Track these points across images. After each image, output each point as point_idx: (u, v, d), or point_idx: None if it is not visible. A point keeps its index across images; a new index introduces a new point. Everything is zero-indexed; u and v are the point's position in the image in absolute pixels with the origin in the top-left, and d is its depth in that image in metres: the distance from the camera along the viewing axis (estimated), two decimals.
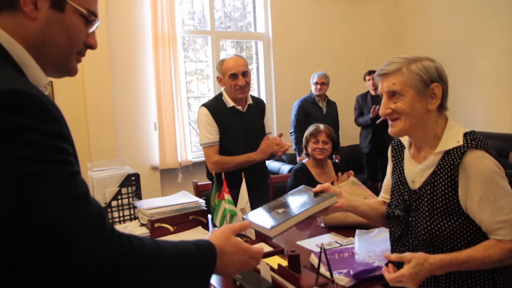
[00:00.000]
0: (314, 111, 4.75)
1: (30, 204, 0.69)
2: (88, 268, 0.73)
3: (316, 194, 1.46)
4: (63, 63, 0.93)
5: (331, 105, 4.89)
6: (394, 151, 1.63)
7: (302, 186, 1.58)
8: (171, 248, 0.90)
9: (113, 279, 0.76)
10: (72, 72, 0.96)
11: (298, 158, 4.72)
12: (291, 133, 4.83)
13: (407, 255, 1.30)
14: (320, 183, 2.70)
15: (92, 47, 0.97)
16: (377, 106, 4.51)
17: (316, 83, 4.77)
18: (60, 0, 0.87)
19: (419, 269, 1.25)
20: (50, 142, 0.74)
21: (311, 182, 2.82)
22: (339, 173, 2.87)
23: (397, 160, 1.59)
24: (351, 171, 2.85)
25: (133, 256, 0.80)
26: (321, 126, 3.04)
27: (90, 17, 0.92)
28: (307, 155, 3.03)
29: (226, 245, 1.01)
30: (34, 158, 0.71)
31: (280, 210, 1.35)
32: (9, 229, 0.69)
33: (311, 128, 3.05)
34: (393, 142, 1.66)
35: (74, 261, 0.72)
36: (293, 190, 1.56)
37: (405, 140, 1.58)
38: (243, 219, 1.46)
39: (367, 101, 5.03)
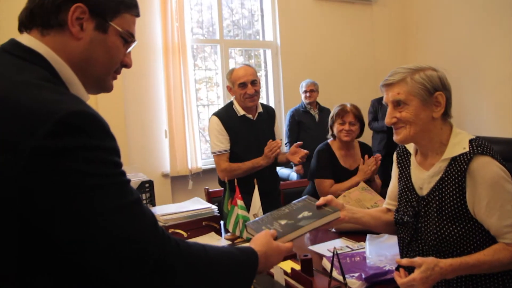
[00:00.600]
0: (306, 120, 4.75)
1: (97, 215, 0.77)
2: (145, 268, 0.80)
3: (319, 207, 1.46)
4: (102, 81, 0.99)
5: (324, 112, 4.82)
6: (399, 158, 1.66)
7: (306, 196, 1.59)
8: (216, 251, 0.97)
9: (165, 278, 0.82)
10: (108, 89, 1.03)
11: (294, 168, 4.70)
12: (286, 143, 4.83)
13: (417, 259, 1.32)
14: (345, 167, 2.75)
15: (128, 65, 1.04)
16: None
17: (305, 91, 4.77)
18: (104, 22, 0.93)
19: (430, 273, 1.28)
20: (109, 158, 0.81)
21: (335, 164, 2.79)
22: (366, 156, 2.77)
23: (403, 167, 1.62)
24: (379, 155, 2.77)
25: (182, 257, 0.87)
26: (348, 105, 2.82)
27: (129, 38, 0.99)
28: (333, 136, 2.87)
29: (270, 250, 1.12)
30: (96, 173, 0.77)
31: (283, 222, 1.36)
32: (76, 239, 0.76)
33: (336, 109, 2.84)
34: (398, 149, 1.68)
35: (133, 262, 0.79)
36: (297, 200, 1.57)
37: (410, 147, 1.61)
38: (246, 226, 1.49)
39: (382, 106, 5.03)
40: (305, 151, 2.69)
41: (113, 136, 0.83)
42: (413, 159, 1.59)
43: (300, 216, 1.39)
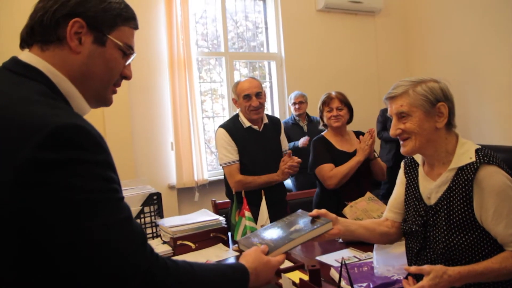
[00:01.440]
0: (294, 132, 4.67)
1: (85, 231, 0.76)
2: (132, 284, 0.80)
3: (312, 220, 1.46)
4: (101, 94, 1.01)
5: (313, 123, 4.75)
6: (407, 168, 1.68)
7: (299, 210, 1.59)
8: (205, 269, 0.96)
9: None
10: (107, 102, 1.04)
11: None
12: None
13: (426, 267, 1.33)
14: (343, 151, 2.77)
15: (128, 77, 1.06)
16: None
17: (294, 103, 4.74)
18: (102, 36, 0.95)
19: (438, 281, 1.29)
20: (100, 173, 0.81)
21: (332, 151, 2.79)
22: (361, 136, 2.78)
23: (411, 177, 1.65)
24: (372, 129, 2.77)
25: (170, 275, 0.87)
26: (333, 93, 2.88)
27: (127, 51, 1.01)
28: (325, 126, 2.92)
29: (260, 265, 1.10)
30: (87, 188, 0.77)
31: (274, 236, 1.36)
32: (64, 252, 0.76)
33: (322, 97, 2.89)
34: (405, 160, 1.71)
35: (120, 278, 0.79)
36: (290, 215, 1.57)
37: (418, 157, 1.64)
38: (238, 242, 1.48)
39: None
40: (298, 159, 2.67)
41: (107, 150, 0.84)
42: (420, 169, 1.61)
43: (292, 229, 1.38)
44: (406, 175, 1.68)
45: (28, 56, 0.91)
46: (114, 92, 1.05)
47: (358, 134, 2.95)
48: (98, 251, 0.77)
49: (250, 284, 1.05)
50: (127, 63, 1.04)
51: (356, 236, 1.66)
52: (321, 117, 2.91)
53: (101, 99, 1.02)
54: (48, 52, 0.92)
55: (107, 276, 0.78)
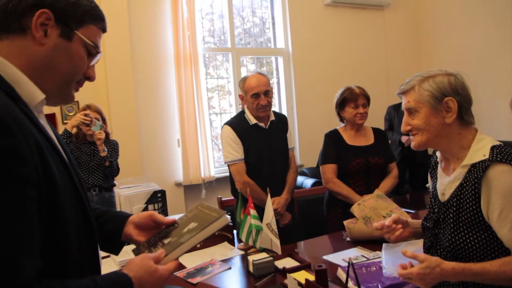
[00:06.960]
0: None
1: None
2: None
3: (207, 217, 1.21)
4: (62, 90, 0.97)
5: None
6: (431, 168, 1.65)
7: (199, 203, 1.35)
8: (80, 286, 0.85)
9: None
10: (68, 99, 1.01)
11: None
12: None
13: (421, 255, 1.33)
14: (352, 145, 2.77)
15: (91, 78, 1.02)
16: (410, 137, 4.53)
17: None
18: (69, 30, 0.93)
19: (429, 271, 1.29)
20: None
21: (341, 146, 2.78)
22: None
23: (433, 176, 1.63)
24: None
25: None
26: (355, 88, 2.77)
27: (93, 50, 0.98)
28: (342, 121, 2.84)
29: (146, 275, 0.99)
30: None
31: (167, 241, 1.18)
32: None
33: (345, 92, 2.77)
34: (431, 159, 1.68)
35: None
36: (191, 209, 1.33)
37: (439, 155, 1.61)
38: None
39: (399, 113, 4.94)
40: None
41: (16, 135, 0.75)
42: (439, 166, 1.57)
43: (185, 230, 1.19)
44: (431, 175, 1.66)
45: None
46: (76, 90, 1.01)
47: (376, 130, 2.91)
48: None
49: None
50: (92, 63, 1.01)
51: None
52: (340, 113, 2.83)
53: (63, 95, 0.99)
54: (7, 41, 0.88)
55: None
